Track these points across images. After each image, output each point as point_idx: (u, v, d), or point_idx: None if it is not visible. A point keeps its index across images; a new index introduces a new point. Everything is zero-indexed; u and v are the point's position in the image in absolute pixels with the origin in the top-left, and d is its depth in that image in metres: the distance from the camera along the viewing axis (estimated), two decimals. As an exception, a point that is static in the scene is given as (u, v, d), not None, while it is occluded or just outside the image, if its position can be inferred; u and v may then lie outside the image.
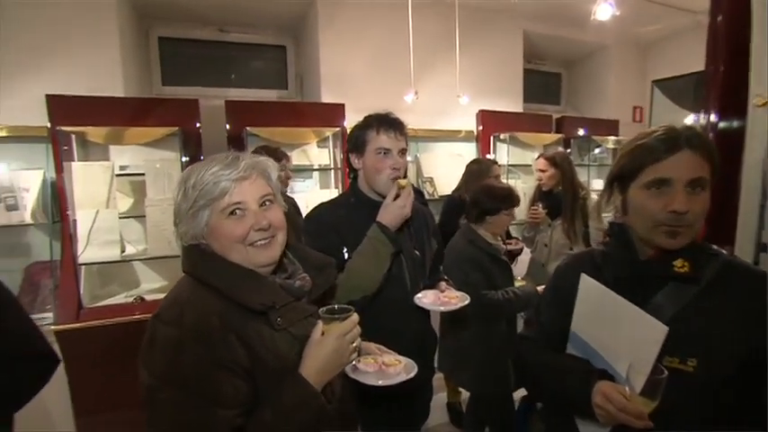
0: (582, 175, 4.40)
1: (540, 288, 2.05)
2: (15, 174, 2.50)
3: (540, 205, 2.71)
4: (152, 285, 2.78)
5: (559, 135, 3.99)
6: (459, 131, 3.76)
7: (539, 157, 2.74)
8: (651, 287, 0.91)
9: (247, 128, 2.71)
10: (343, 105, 3.03)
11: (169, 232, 2.57)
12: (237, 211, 0.90)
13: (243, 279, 0.90)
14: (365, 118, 1.44)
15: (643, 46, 4.83)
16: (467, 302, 1.42)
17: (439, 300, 1.41)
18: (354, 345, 0.96)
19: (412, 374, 1.10)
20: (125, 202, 2.69)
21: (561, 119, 4.23)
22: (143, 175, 2.58)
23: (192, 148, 2.66)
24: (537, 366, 1.07)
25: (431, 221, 1.65)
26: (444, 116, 3.65)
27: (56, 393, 2.38)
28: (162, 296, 2.71)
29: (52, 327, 2.26)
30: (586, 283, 0.98)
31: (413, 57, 2.80)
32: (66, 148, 2.49)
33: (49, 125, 2.43)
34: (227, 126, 2.81)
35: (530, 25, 4.07)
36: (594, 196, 2.69)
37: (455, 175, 3.28)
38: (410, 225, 1.48)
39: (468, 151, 3.83)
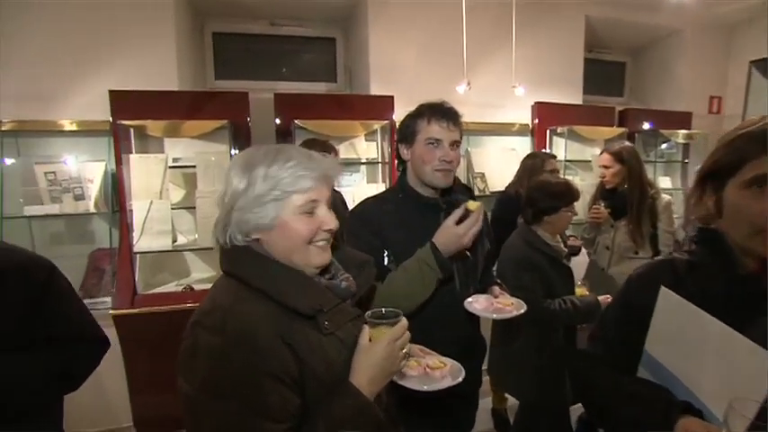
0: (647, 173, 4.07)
1: (603, 298, 1.87)
2: (82, 165, 2.65)
3: (603, 204, 2.49)
4: (201, 275, 2.86)
5: (622, 129, 3.68)
6: (513, 125, 3.56)
7: (602, 152, 2.52)
8: (753, 308, 0.75)
9: (296, 120, 2.70)
10: (392, 97, 2.95)
11: (218, 223, 2.64)
12: (313, 209, 0.87)
13: (292, 281, 0.85)
14: (418, 107, 1.36)
15: (727, 28, 4.35)
16: (522, 311, 1.30)
17: (492, 306, 1.30)
18: (404, 351, 0.91)
19: (459, 379, 1.01)
20: (177, 194, 2.77)
21: (625, 111, 3.91)
22: (194, 167, 2.65)
23: (242, 141, 2.70)
24: (601, 388, 0.94)
25: (484, 220, 1.55)
26: (497, 109, 3.47)
27: (112, 373, 2.53)
28: (210, 286, 2.74)
29: (110, 311, 2.37)
30: (667, 299, 0.84)
31: (466, 45, 2.66)
32: (125, 141, 2.59)
33: (110, 119, 2.55)
34: (276, 118, 2.81)
35: (593, 10, 3.78)
36: (665, 196, 2.43)
37: (508, 171, 3.12)
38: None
39: (522, 146, 3.63)
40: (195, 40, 3.29)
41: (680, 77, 4.36)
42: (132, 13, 2.72)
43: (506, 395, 2.65)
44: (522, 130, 3.61)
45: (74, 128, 2.65)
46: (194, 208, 2.62)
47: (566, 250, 2.06)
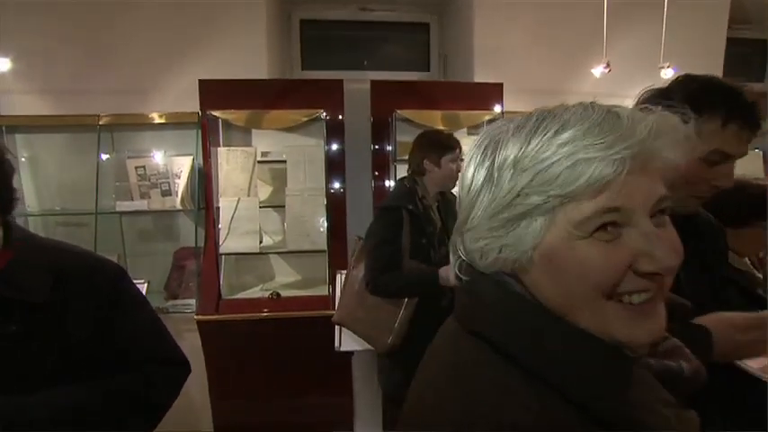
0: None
1: None
2: (169, 160, 2.53)
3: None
4: (287, 279, 2.63)
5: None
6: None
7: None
8: None
9: (398, 111, 2.38)
10: (501, 85, 2.54)
11: (309, 225, 2.40)
12: (610, 225, 0.43)
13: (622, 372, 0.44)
14: (709, 90, 0.85)
15: None
16: None
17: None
18: None
19: None
20: (264, 191, 2.57)
21: (782, 98, 3.18)
22: (283, 162, 2.44)
23: (335, 135, 2.44)
24: None
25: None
26: (620, 99, 2.92)
27: (195, 376, 2.37)
28: (299, 293, 2.49)
29: (195, 316, 2.21)
30: None
31: (606, 16, 2.20)
32: (213, 134, 2.43)
33: (199, 111, 2.40)
34: (372, 109, 2.52)
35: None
36: None
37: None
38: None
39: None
40: (283, 29, 3.09)
41: None
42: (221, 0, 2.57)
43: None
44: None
45: (162, 121, 2.53)
46: (282, 207, 2.40)
47: (760, 276, 1.56)
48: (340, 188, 2.47)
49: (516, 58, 2.76)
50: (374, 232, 1.72)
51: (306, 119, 2.36)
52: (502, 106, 2.54)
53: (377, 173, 2.55)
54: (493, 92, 2.53)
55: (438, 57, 3.31)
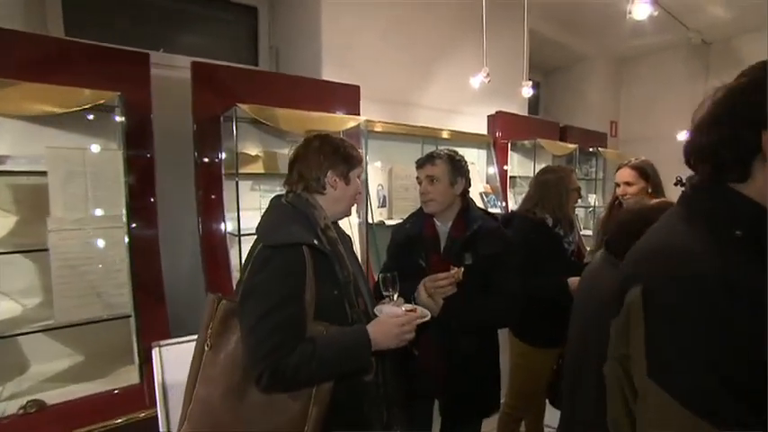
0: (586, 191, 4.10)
1: None
2: None
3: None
4: (56, 368, 1.56)
5: (574, 145, 3.54)
6: (473, 134, 3.07)
7: (621, 167, 2.17)
8: None
9: (240, 105, 1.67)
10: (358, 88, 2.16)
11: (94, 275, 1.49)
12: None
13: None
14: None
15: (619, 60, 4.75)
16: None
17: None
18: None
19: None
20: (2, 225, 1.50)
21: (564, 128, 3.82)
22: (41, 174, 1.45)
23: (139, 134, 1.60)
24: None
25: None
26: (452, 116, 2.96)
27: None
28: (84, 390, 1.57)
29: None
30: None
31: (486, 26, 2.07)
32: None
33: None
34: (194, 103, 1.76)
35: (541, 26, 3.63)
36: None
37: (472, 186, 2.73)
38: None
39: (480, 159, 3.21)
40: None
41: (587, 101, 4.60)
42: None
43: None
44: (464, 139, 3.10)
45: None
46: (42, 251, 1.42)
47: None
48: (150, 218, 1.63)
49: (367, 58, 2.44)
50: (264, 288, 1.04)
51: (87, 105, 1.45)
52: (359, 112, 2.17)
53: (203, 194, 1.81)
54: (353, 95, 2.12)
55: (269, 49, 2.73)
